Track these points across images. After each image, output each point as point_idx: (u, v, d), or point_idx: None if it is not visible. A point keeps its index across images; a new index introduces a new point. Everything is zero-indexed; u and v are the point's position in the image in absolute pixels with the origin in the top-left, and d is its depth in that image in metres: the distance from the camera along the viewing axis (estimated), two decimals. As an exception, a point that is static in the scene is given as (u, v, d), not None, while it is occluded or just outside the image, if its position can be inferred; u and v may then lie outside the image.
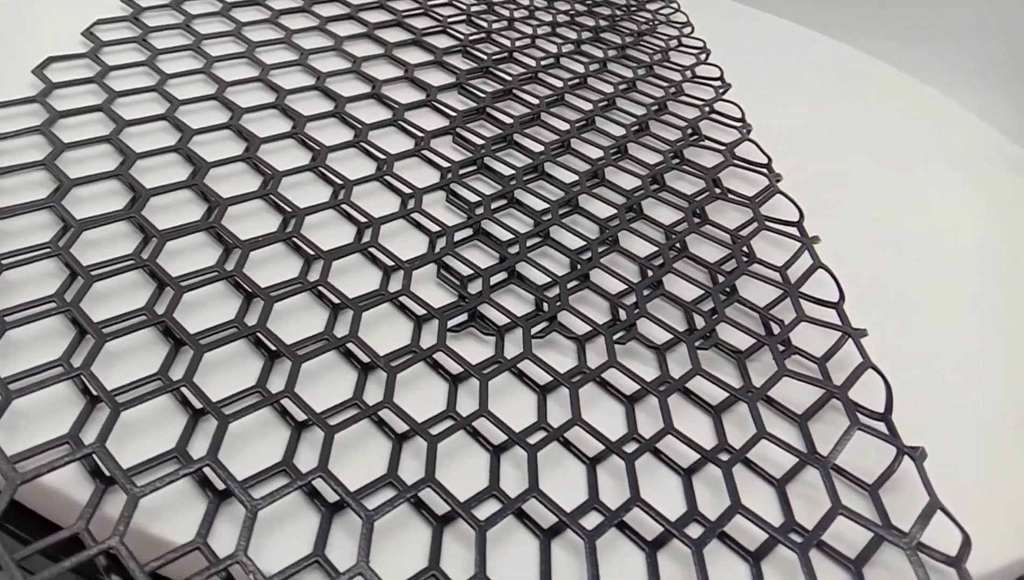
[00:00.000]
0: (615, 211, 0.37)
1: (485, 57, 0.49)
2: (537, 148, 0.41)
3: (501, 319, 0.30)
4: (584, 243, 0.34)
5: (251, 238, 0.30)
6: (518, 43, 0.52)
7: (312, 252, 0.30)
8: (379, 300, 0.29)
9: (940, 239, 0.44)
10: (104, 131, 0.35)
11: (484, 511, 0.23)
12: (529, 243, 0.34)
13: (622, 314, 0.31)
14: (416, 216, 0.34)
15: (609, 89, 0.48)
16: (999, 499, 0.28)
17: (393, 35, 0.50)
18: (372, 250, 0.32)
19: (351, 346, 0.27)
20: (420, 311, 0.29)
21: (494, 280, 0.31)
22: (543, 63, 0.50)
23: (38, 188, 0.31)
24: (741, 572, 0.23)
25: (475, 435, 0.25)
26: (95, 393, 0.23)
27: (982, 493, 0.28)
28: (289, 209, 0.32)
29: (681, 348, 0.31)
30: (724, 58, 0.56)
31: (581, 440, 0.26)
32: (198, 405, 0.24)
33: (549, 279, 0.32)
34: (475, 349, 0.29)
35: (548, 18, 0.57)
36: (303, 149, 0.37)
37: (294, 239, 0.31)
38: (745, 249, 0.36)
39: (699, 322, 0.32)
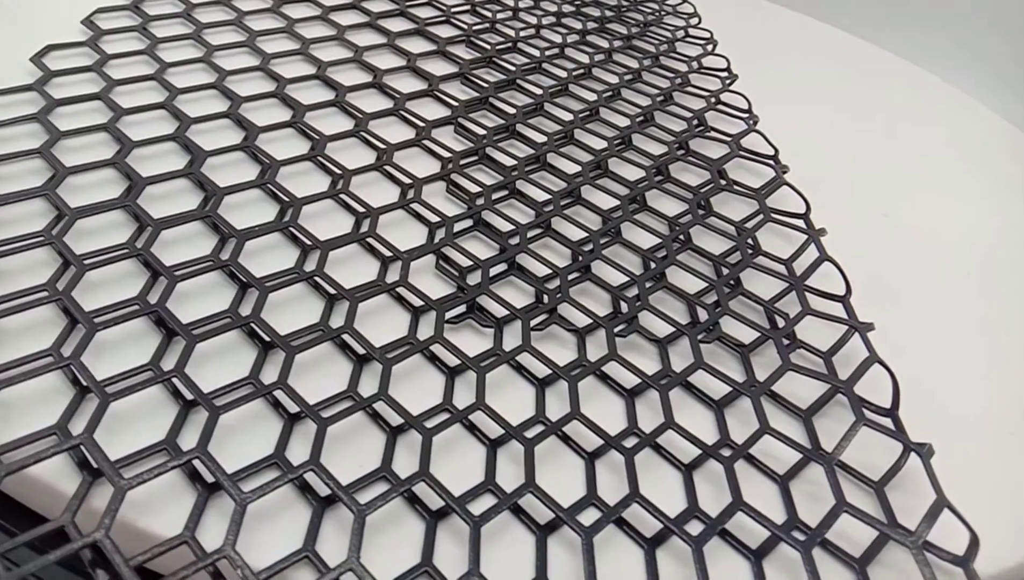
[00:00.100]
0: (618, 202, 0.36)
1: (489, 47, 0.48)
2: (540, 139, 0.40)
3: (500, 311, 0.29)
4: (586, 234, 0.34)
5: (247, 228, 0.30)
6: (522, 33, 0.51)
7: (309, 242, 0.30)
8: (376, 291, 0.28)
9: (949, 234, 0.43)
10: (102, 119, 0.34)
11: (479, 506, 0.22)
12: (530, 234, 0.33)
13: (624, 306, 0.31)
14: (415, 206, 0.34)
15: (614, 80, 0.48)
16: (1008, 497, 0.28)
17: (396, 24, 0.49)
18: (370, 240, 0.31)
19: (346, 337, 0.26)
20: (418, 302, 0.29)
21: (494, 271, 0.31)
22: (547, 53, 0.49)
23: (33, 176, 0.31)
24: (742, 570, 0.23)
25: (471, 429, 0.25)
26: (84, 383, 0.23)
27: (990, 491, 0.28)
28: (287, 199, 0.32)
29: (683, 341, 0.30)
30: (731, 49, 0.55)
31: (580, 434, 0.26)
32: (189, 396, 0.23)
33: (550, 271, 0.31)
34: (473, 341, 0.28)
35: (553, 8, 0.57)
36: (302, 138, 0.37)
37: (291, 229, 0.30)
38: (750, 241, 0.36)
39: (702, 315, 0.31)
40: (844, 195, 0.44)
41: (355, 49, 0.45)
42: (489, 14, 0.53)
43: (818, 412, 0.28)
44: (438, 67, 0.46)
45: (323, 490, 0.22)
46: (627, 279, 0.32)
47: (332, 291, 0.28)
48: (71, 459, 0.21)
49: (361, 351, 0.26)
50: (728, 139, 0.43)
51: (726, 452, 0.26)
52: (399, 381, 0.26)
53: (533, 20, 0.54)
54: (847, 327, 0.31)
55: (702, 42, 0.56)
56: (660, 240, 0.34)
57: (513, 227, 0.33)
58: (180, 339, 0.25)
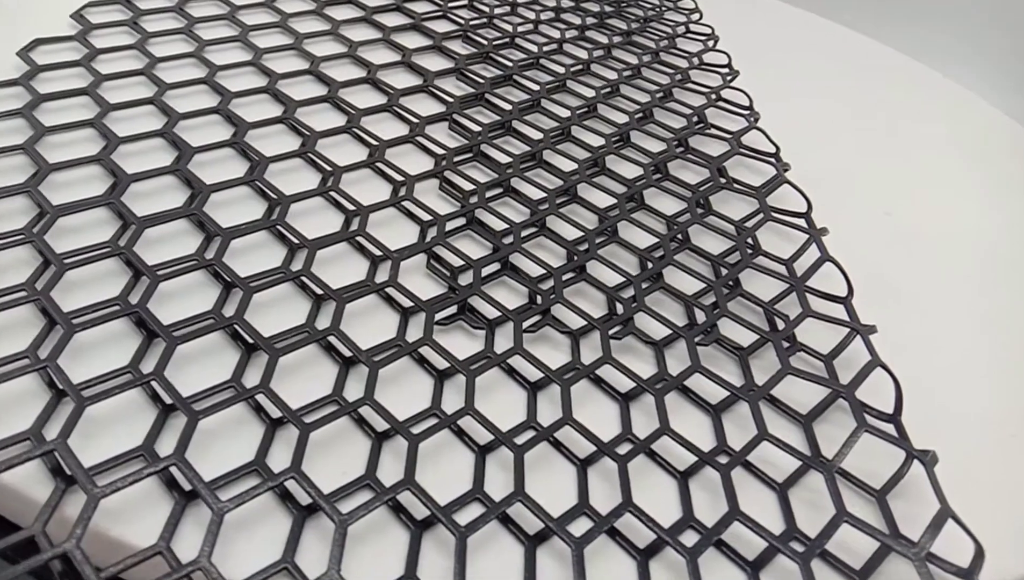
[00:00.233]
0: (615, 201, 0.36)
1: (486, 42, 0.47)
2: (536, 135, 0.39)
3: (492, 312, 0.28)
4: (582, 234, 0.33)
5: (233, 226, 0.29)
6: (520, 28, 0.50)
7: (296, 240, 0.29)
8: (364, 291, 0.28)
9: (953, 234, 0.42)
10: (89, 115, 0.34)
11: (466, 515, 0.21)
12: (524, 233, 0.33)
13: (619, 308, 0.30)
14: (407, 204, 0.33)
15: (613, 76, 0.47)
16: (1014, 506, 0.27)
17: (392, 19, 0.49)
18: (359, 239, 0.30)
19: (332, 339, 0.26)
20: (407, 303, 0.28)
21: (486, 271, 0.30)
22: (545, 49, 0.48)
23: (17, 172, 0.30)
24: (738, 582, 0.22)
25: (460, 434, 0.24)
26: (61, 386, 0.22)
27: (996, 500, 0.27)
28: (275, 196, 0.31)
29: (680, 344, 0.29)
30: (733, 45, 0.54)
31: (572, 440, 0.25)
32: (168, 400, 0.22)
33: (544, 271, 0.31)
34: (464, 344, 0.27)
35: (552, 3, 0.56)
36: (293, 134, 0.36)
37: (278, 227, 0.30)
38: (750, 241, 0.35)
39: (700, 317, 0.31)
40: (845, 193, 0.43)
41: (349, 44, 0.44)
42: (487, 9, 0.52)
43: (819, 417, 0.28)
44: (434, 63, 0.45)
45: (304, 498, 0.21)
46: (623, 280, 0.31)
47: (319, 291, 0.27)
48: (44, 465, 0.21)
49: (347, 354, 0.26)
50: (728, 136, 0.42)
51: (723, 459, 0.25)
52: (386, 385, 0.25)
53: (531, 15, 0.53)
54: (849, 329, 0.30)
55: (703, 38, 0.55)
56: (658, 240, 0.34)
57: (507, 226, 0.32)
58: (161, 341, 0.24)
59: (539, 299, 0.29)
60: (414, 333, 0.27)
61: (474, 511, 0.22)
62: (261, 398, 0.23)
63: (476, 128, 0.39)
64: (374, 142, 0.36)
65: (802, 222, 0.36)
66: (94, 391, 0.22)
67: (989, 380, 0.33)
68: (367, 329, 0.27)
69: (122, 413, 0.23)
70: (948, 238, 0.42)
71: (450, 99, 0.41)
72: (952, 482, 0.24)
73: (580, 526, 0.22)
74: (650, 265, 0.32)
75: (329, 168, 0.34)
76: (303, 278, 0.28)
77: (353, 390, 0.25)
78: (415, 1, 0.52)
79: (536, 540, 0.22)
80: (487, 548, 0.21)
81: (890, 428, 0.27)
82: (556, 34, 0.51)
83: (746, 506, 0.23)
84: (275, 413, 0.23)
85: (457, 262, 0.30)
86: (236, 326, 0.25)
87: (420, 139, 0.37)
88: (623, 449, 0.24)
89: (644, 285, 0.31)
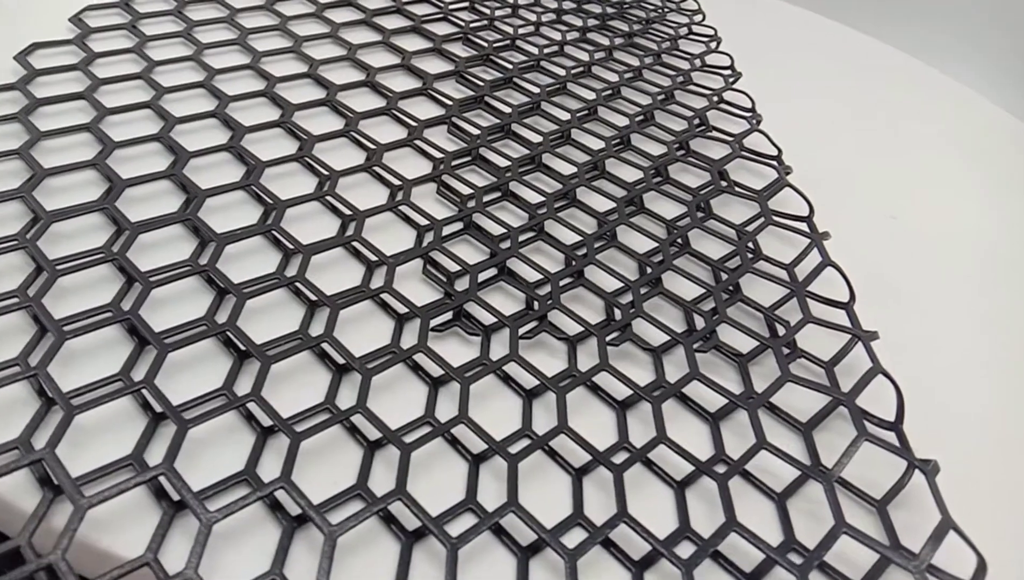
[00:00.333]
0: (614, 205, 0.35)
1: (486, 45, 0.47)
2: (536, 138, 0.39)
3: (488, 318, 0.28)
4: (580, 238, 0.33)
5: (228, 231, 0.29)
6: (521, 30, 0.50)
7: (291, 246, 0.29)
8: (359, 297, 0.27)
9: (958, 238, 0.42)
10: (85, 119, 0.34)
11: (459, 526, 0.21)
12: (522, 238, 0.32)
13: (617, 314, 0.30)
14: (404, 209, 0.33)
15: (614, 78, 0.47)
16: (1017, 518, 0.26)
17: (392, 22, 0.48)
18: (355, 244, 0.30)
19: (326, 346, 0.25)
20: (402, 309, 0.28)
21: (483, 277, 0.30)
22: (546, 51, 0.48)
23: (12, 177, 0.30)
24: (735, 594, 0.22)
25: (454, 443, 0.24)
26: (51, 394, 0.22)
27: (999, 511, 0.26)
28: (270, 201, 0.31)
29: (679, 351, 0.29)
30: (736, 46, 0.54)
31: (567, 449, 0.24)
32: (159, 408, 0.22)
33: (541, 276, 0.30)
34: (459, 350, 0.27)
35: (553, 5, 0.56)
36: (291, 138, 0.36)
37: (273, 232, 0.30)
38: (751, 245, 0.34)
39: (699, 323, 0.30)
40: (846, 192, 0.43)
41: (348, 47, 0.44)
42: (488, 11, 0.52)
43: (819, 425, 0.27)
44: (433, 65, 0.45)
45: (294, 509, 0.21)
46: (621, 285, 0.31)
47: (313, 297, 0.27)
48: (32, 475, 0.20)
49: (341, 361, 0.25)
50: (730, 139, 0.42)
51: (721, 468, 0.24)
52: (380, 392, 0.25)
53: (533, 17, 0.53)
54: (850, 336, 0.30)
55: (705, 39, 0.55)
56: (657, 244, 0.33)
57: (504, 230, 0.32)
58: (153, 348, 0.24)
59: (536, 305, 0.29)
60: (409, 340, 0.27)
61: (467, 522, 0.22)
62: (252, 406, 0.23)
63: (475, 131, 0.38)
64: (372, 146, 0.36)
65: (803, 226, 0.36)
66: (84, 399, 0.22)
67: (990, 380, 0.33)
68: (362, 335, 0.27)
69: (112, 421, 0.22)
70: (949, 238, 0.41)
71: (449, 102, 0.41)
72: (954, 488, 0.24)
73: (574, 537, 0.22)
74: (649, 270, 0.32)
75: (326, 172, 0.33)
76: (297, 284, 0.27)
77: (346, 398, 0.24)
78: (416, 3, 0.51)
79: (529, 551, 0.21)
80: (479, 559, 0.21)
81: (891, 436, 0.26)
82: (557, 36, 0.50)
83: (744, 516, 0.23)
84: (266, 421, 0.23)
85: (453, 267, 0.30)
86: (228, 333, 0.25)
87: (418, 143, 0.37)
88: (619, 458, 0.24)
89: (643, 290, 0.31)
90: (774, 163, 0.40)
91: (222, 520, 0.20)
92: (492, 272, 0.30)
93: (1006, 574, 0.23)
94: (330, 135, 0.36)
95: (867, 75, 0.59)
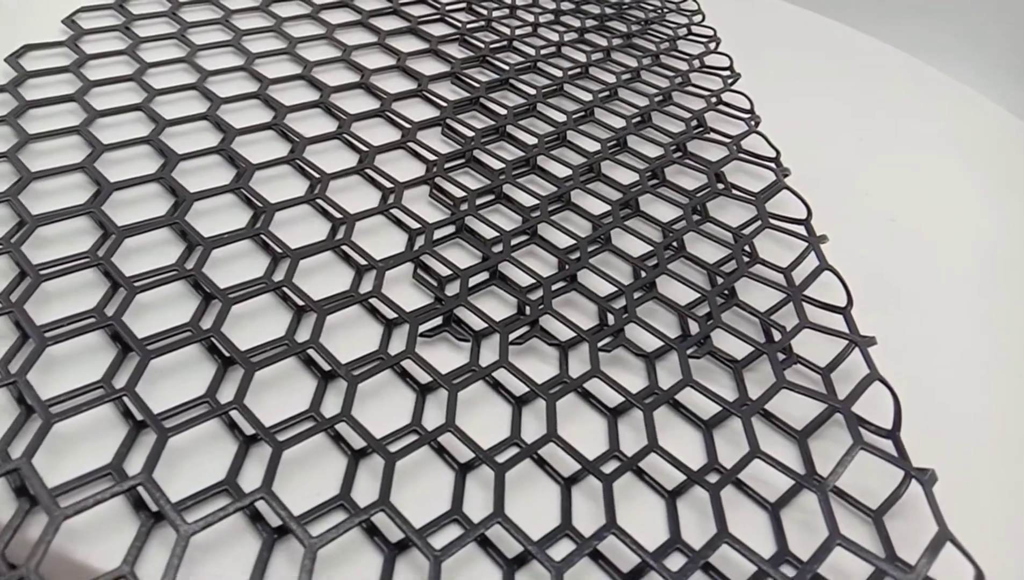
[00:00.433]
0: (609, 208, 0.35)
1: (483, 45, 0.47)
2: (531, 141, 0.39)
3: (479, 324, 0.28)
4: (574, 242, 0.32)
5: (215, 235, 0.29)
6: (518, 31, 0.50)
7: (279, 250, 0.29)
8: (347, 302, 0.27)
9: (959, 241, 0.41)
10: (75, 122, 0.33)
11: (443, 538, 0.21)
12: (515, 241, 0.32)
13: (610, 318, 0.29)
14: (395, 212, 0.32)
15: (611, 79, 0.46)
16: (1016, 529, 0.26)
17: (389, 23, 0.48)
18: (345, 248, 0.30)
19: (312, 352, 0.25)
20: (391, 314, 0.27)
21: (474, 281, 0.29)
22: (543, 52, 0.47)
23: (-1, 181, 0.30)
24: (727, 607, 0.21)
25: (440, 452, 0.24)
26: (30, 402, 0.21)
27: (997, 522, 0.26)
28: (260, 204, 0.31)
29: (672, 356, 0.28)
30: (735, 46, 0.53)
31: (557, 458, 0.24)
32: (140, 416, 0.22)
33: (534, 281, 0.30)
34: (449, 357, 0.27)
35: (552, 5, 0.55)
36: (282, 141, 0.36)
37: (261, 236, 0.29)
38: (747, 249, 0.34)
39: (694, 328, 0.30)
40: (845, 193, 0.42)
41: (344, 48, 0.43)
42: (485, 12, 0.51)
43: (814, 433, 0.27)
44: (429, 67, 0.44)
45: (275, 520, 0.20)
46: (615, 289, 0.30)
47: (300, 303, 0.27)
48: (9, 484, 0.20)
49: (327, 367, 0.25)
50: (728, 140, 0.41)
51: (713, 478, 0.24)
52: (366, 400, 0.24)
53: (531, 18, 0.52)
54: (847, 341, 0.29)
55: (704, 40, 0.55)
56: (652, 248, 0.33)
57: (497, 234, 0.32)
58: (136, 355, 0.24)
59: (528, 310, 0.29)
60: (397, 346, 0.26)
61: (452, 533, 0.21)
62: (235, 414, 0.23)
63: (469, 133, 0.38)
64: (364, 148, 0.35)
65: (801, 229, 0.35)
66: (64, 407, 0.22)
67: (990, 382, 0.32)
68: (349, 341, 0.26)
69: (93, 430, 0.22)
70: (949, 238, 0.41)
71: (444, 104, 0.40)
72: (953, 505, 0.23)
73: (562, 549, 0.21)
74: (643, 274, 0.31)
75: (317, 175, 0.33)
76: (284, 289, 0.27)
77: (332, 405, 0.24)
78: (413, 5, 0.51)
79: (515, 564, 0.21)
80: (463, 572, 0.21)
81: (888, 445, 0.26)
82: (555, 37, 0.50)
83: (737, 527, 0.22)
84: (249, 430, 0.22)
85: (445, 272, 0.30)
86: (213, 339, 0.24)
87: (412, 145, 0.37)
88: (609, 467, 0.24)
89: (636, 295, 0.30)
90: (772, 165, 0.40)
91: (201, 531, 0.19)
92: (484, 276, 0.30)
93: (1005, 587, 0.23)
94: (322, 137, 0.36)
95: (867, 74, 0.58)
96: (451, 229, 0.32)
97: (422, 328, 0.27)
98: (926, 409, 0.28)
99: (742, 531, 0.22)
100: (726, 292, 0.32)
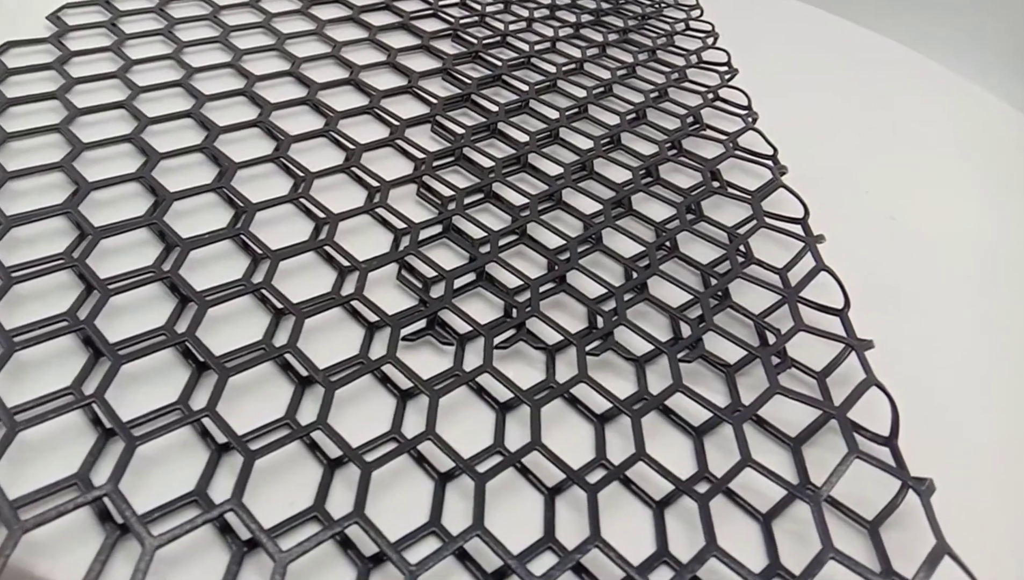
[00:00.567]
0: (601, 207, 0.34)
1: (475, 41, 0.46)
2: (523, 138, 0.38)
3: (463, 327, 0.27)
4: (564, 242, 0.31)
5: (194, 236, 0.28)
6: (512, 26, 0.49)
7: (260, 251, 0.28)
8: (328, 305, 0.26)
9: (960, 241, 0.40)
10: (56, 119, 0.33)
11: (420, 551, 0.20)
12: (503, 241, 0.31)
13: (600, 321, 0.28)
14: (380, 211, 0.32)
15: (606, 75, 0.45)
16: (1016, 541, 0.25)
17: (380, 19, 0.47)
18: (327, 249, 0.29)
19: (289, 357, 0.24)
20: (373, 317, 0.27)
21: (459, 282, 0.29)
22: (537, 47, 0.47)
23: (-26, 181, 0.29)
24: (715, 622, 0.21)
25: (420, 461, 0.23)
26: (-5, 410, 0.21)
27: (997, 533, 0.25)
28: (241, 204, 0.30)
29: (663, 360, 0.28)
30: (734, 41, 0.53)
31: (541, 467, 0.23)
32: (109, 424, 0.21)
33: (521, 282, 0.29)
34: (431, 361, 0.26)
35: (547, 1, 0.54)
36: (268, 138, 0.35)
37: (242, 236, 0.28)
38: (742, 249, 0.33)
39: (686, 331, 0.29)
40: (844, 191, 0.41)
41: (333, 44, 0.43)
42: (478, 7, 0.51)
43: (809, 440, 0.26)
44: (420, 63, 0.43)
45: (245, 533, 0.20)
46: (605, 291, 0.30)
47: (279, 305, 0.26)
48: (-30, 496, 0.19)
49: (304, 373, 0.24)
50: (724, 137, 0.40)
51: (703, 487, 0.23)
52: (345, 406, 0.24)
53: (525, 13, 0.51)
54: (844, 345, 0.28)
55: (702, 35, 0.54)
56: (644, 248, 0.32)
57: (485, 234, 0.31)
58: (107, 359, 0.23)
59: (514, 312, 0.28)
60: (379, 350, 0.26)
61: (430, 546, 0.20)
62: (207, 422, 0.22)
63: (460, 130, 0.37)
64: (351, 146, 0.35)
65: (798, 229, 0.34)
66: (29, 415, 0.21)
67: (990, 384, 0.31)
68: (329, 345, 0.26)
69: (60, 438, 0.21)
70: (949, 237, 0.40)
71: (434, 100, 0.39)
72: (951, 516, 0.22)
73: (544, 562, 0.21)
74: (635, 275, 0.31)
75: (301, 174, 0.32)
76: (263, 291, 0.26)
77: (308, 412, 0.23)
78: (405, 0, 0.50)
79: (494, 578, 0.20)
80: (441, 587, 0.20)
81: (885, 453, 0.25)
82: (549, 32, 0.49)
83: (726, 539, 0.22)
84: (222, 438, 0.22)
85: (430, 273, 0.29)
86: (187, 343, 0.24)
87: (400, 142, 0.36)
88: (595, 476, 0.23)
89: (627, 297, 0.30)
90: (769, 163, 0.39)
91: (168, 544, 0.18)
92: (470, 277, 0.29)
93: (1004, 602, 0.22)
94: (308, 135, 0.35)
95: (867, 69, 0.57)
96: (438, 229, 0.31)
97: (404, 331, 0.26)
98: (925, 413, 0.27)
99: (732, 543, 0.22)
100: (720, 294, 0.31)
